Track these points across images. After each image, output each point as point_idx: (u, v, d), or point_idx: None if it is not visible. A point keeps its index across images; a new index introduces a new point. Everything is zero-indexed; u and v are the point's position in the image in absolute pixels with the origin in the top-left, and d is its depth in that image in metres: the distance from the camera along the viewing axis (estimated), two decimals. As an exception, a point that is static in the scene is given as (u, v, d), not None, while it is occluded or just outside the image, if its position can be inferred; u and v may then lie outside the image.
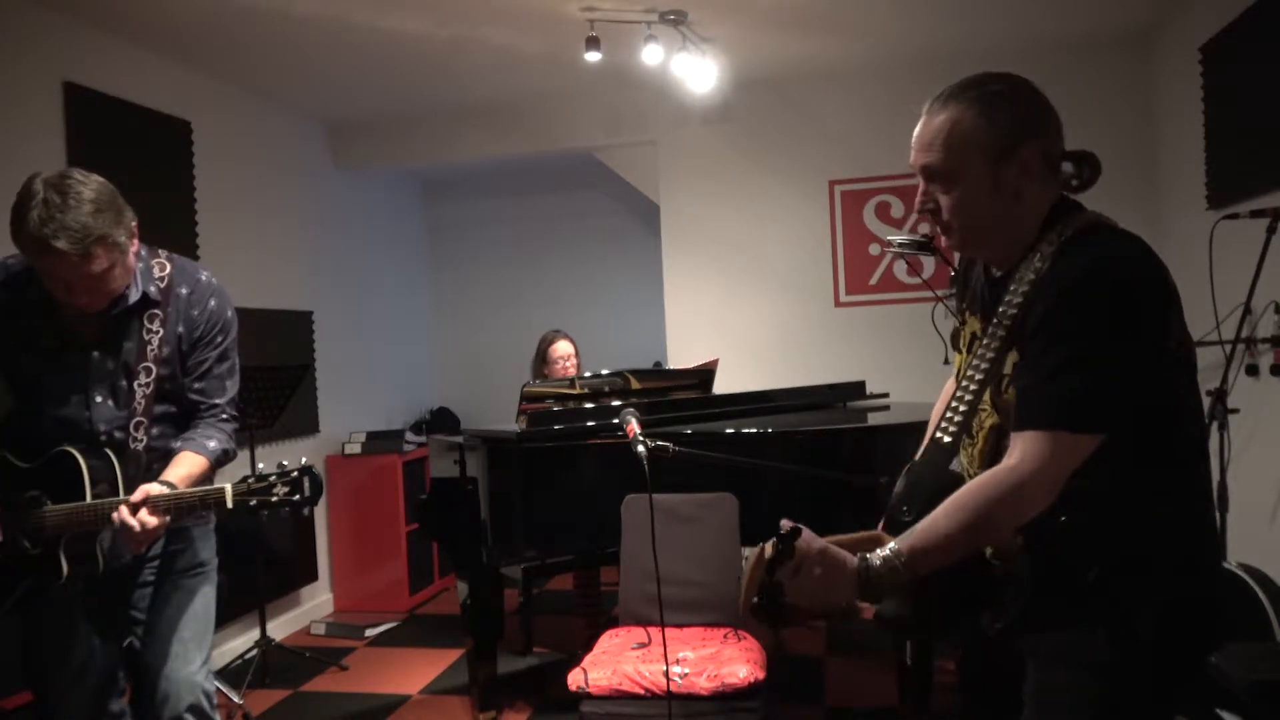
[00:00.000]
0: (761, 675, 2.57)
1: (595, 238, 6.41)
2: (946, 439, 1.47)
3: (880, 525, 1.53)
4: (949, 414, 1.48)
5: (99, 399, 2.06)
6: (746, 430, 3.20)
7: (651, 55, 3.96)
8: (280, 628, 4.64)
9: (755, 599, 1.35)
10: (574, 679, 2.62)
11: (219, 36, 3.92)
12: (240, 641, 4.29)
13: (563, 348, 4.27)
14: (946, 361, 1.69)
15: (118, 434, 2.06)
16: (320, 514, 5.19)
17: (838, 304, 4.95)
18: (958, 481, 1.41)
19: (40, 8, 3.46)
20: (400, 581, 5.13)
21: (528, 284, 6.48)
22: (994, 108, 1.40)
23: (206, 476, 2.08)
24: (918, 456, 1.54)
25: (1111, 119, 4.47)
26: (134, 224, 2.00)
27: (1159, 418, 1.35)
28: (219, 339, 2.16)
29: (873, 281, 4.91)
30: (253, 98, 4.72)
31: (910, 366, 4.27)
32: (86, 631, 2.10)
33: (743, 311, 5.02)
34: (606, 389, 3.58)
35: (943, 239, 1.51)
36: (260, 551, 4.15)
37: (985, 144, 1.39)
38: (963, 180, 1.42)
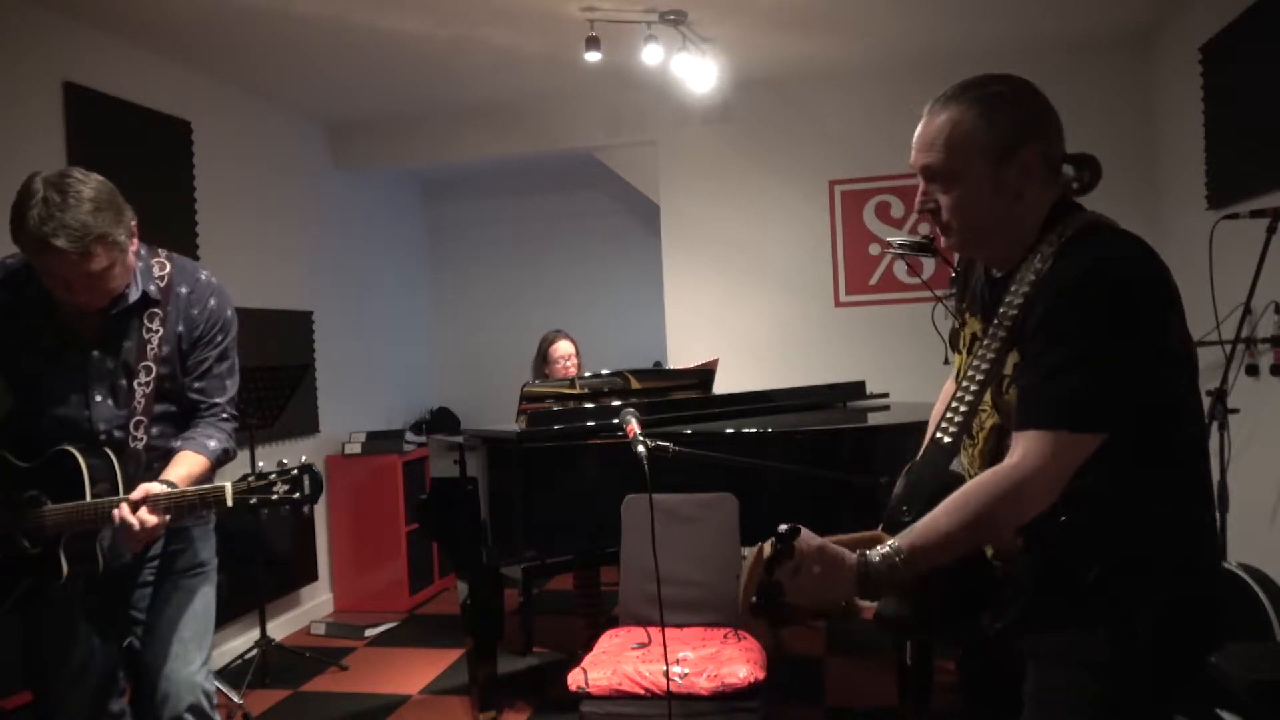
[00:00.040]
0: (761, 675, 2.57)
1: (595, 238, 6.41)
2: (946, 439, 1.47)
3: (880, 526, 1.53)
4: (949, 414, 1.48)
5: (99, 398, 2.06)
6: (746, 430, 3.20)
7: (651, 55, 3.96)
8: (280, 628, 4.64)
9: (754, 599, 1.35)
10: (574, 679, 2.62)
11: (219, 36, 3.92)
12: (240, 641, 4.29)
13: (564, 347, 4.27)
14: (946, 361, 1.69)
15: (117, 433, 2.06)
16: (320, 514, 5.20)
17: (838, 304, 4.95)
18: (958, 482, 1.41)
19: (40, 8, 3.46)
20: (400, 581, 5.13)
21: (528, 284, 6.49)
22: (995, 109, 1.40)
23: (207, 476, 2.08)
24: (918, 457, 1.54)
25: (1111, 119, 4.47)
26: (134, 223, 2.00)
27: (1159, 418, 1.34)
28: (219, 338, 2.16)
29: (873, 281, 4.91)
30: (253, 98, 4.72)
31: (910, 366, 4.27)
32: (86, 631, 2.10)
33: (743, 311, 5.02)
34: (606, 389, 3.58)
35: (942, 239, 1.51)
36: (260, 551, 4.15)
37: (986, 145, 1.40)
38: (963, 181, 1.42)
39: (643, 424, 2.35)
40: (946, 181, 1.43)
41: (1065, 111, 1.45)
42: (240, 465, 3.05)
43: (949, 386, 1.71)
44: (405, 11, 3.73)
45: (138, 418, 2.06)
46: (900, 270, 4.83)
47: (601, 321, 6.12)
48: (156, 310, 2.09)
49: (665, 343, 5.15)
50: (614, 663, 2.65)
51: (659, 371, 4.86)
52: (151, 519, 1.88)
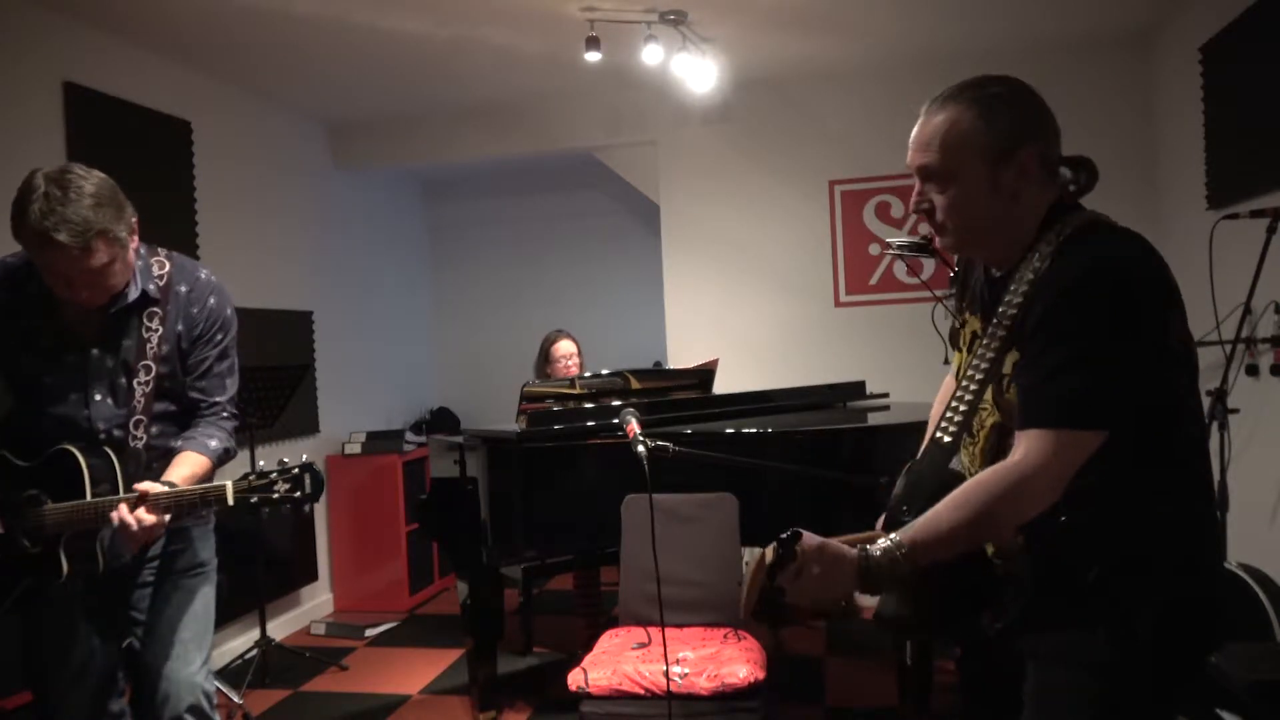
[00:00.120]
0: (761, 675, 2.57)
1: (595, 238, 6.41)
2: (947, 439, 1.47)
3: (880, 525, 1.53)
4: (949, 414, 1.48)
5: (98, 397, 2.06)
6: (746, 430, 3.19)
7: (651, 55, 3.96)
8: (280, 628, 4.64)
9: (757, 606, 1.36)
10: (574, 679, 2.62)
11: (219, 36, 3.92)
12: (240, 641, 4.29)
13: (565, 347, 4.27)
14: (946, 361, 1.69)
15: (117, 432, 2.06)
16: (320, 514, 5.20)
17: (838, 304, 4.95)
18: (958, 481, 1.41)
19: (40, 8, 3.46)
20: (400, 581, 5.13)
21: (528, 284, 6.49)
22: (993, 110, 1.40)
23: (208, 476, 2.07)
24: (918, 456, 1.54)
25: (1111, 119, 4.47)
26: (134, 220, 2.00)
27: (1159, 417, 1.34)
28: (219, 337, 2.16)
29: (873, 281, 4.91)
30: (253, 98, 4.72)
31: (910, 366, 4.27)
32: (86, 631, 2.10)
33: (743, 311, 5.02)
34: (606, 389, 3.58)
35: (938, 239, 1.51)
36: (260, 551, 4.15)
37: (983, 145, 1.40)
38: (960, 181, 1.42)
39: (643, 424, 2.35)
40: (943, 181, 1.43)
41: (1065, 112, 1.45)
42: (240, 465, 3.05)
43: (948, 385, 1.71)
44: (405, 11, 3.73)
45: (137, 417, 2.06)
46: (900, 270, 4.83)
47: (601, 321, 6.12)
48: (156, 309, 2.09)
49: (665, 343, 5.15)
50: (614, 663, 2.65)
51: (659, 371, 4.86)
52: (150, 519, 1.88)
